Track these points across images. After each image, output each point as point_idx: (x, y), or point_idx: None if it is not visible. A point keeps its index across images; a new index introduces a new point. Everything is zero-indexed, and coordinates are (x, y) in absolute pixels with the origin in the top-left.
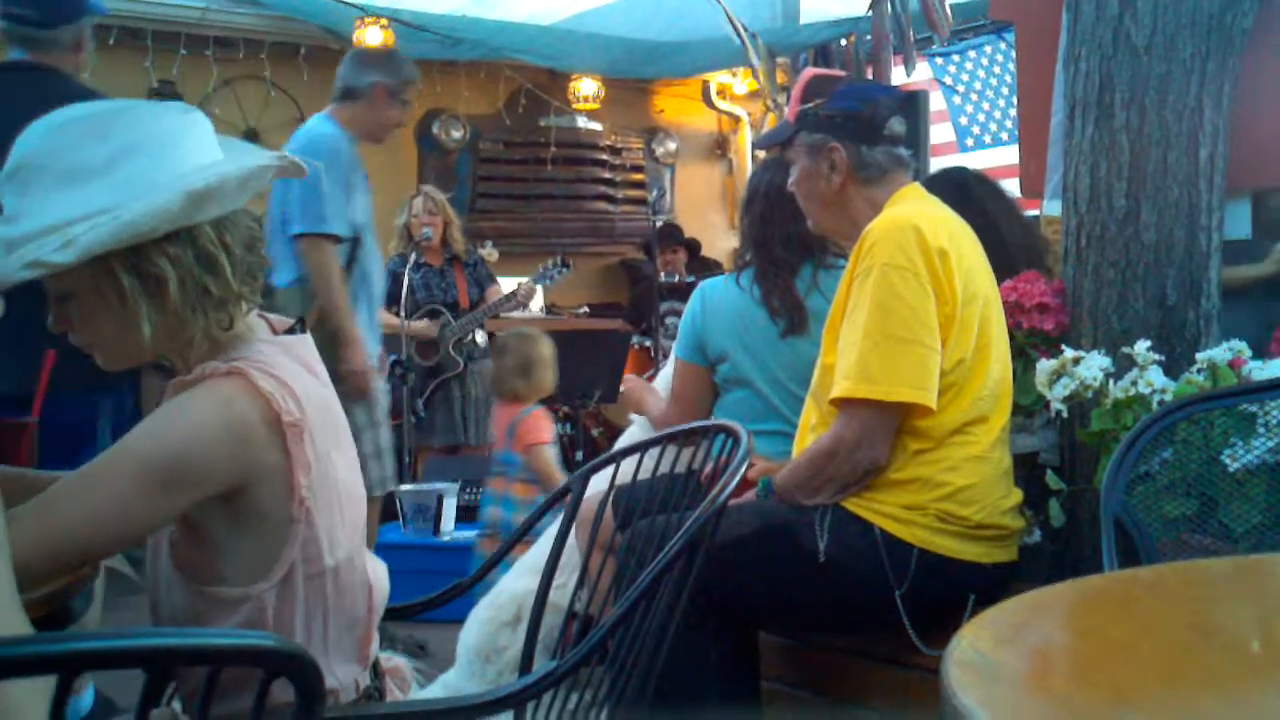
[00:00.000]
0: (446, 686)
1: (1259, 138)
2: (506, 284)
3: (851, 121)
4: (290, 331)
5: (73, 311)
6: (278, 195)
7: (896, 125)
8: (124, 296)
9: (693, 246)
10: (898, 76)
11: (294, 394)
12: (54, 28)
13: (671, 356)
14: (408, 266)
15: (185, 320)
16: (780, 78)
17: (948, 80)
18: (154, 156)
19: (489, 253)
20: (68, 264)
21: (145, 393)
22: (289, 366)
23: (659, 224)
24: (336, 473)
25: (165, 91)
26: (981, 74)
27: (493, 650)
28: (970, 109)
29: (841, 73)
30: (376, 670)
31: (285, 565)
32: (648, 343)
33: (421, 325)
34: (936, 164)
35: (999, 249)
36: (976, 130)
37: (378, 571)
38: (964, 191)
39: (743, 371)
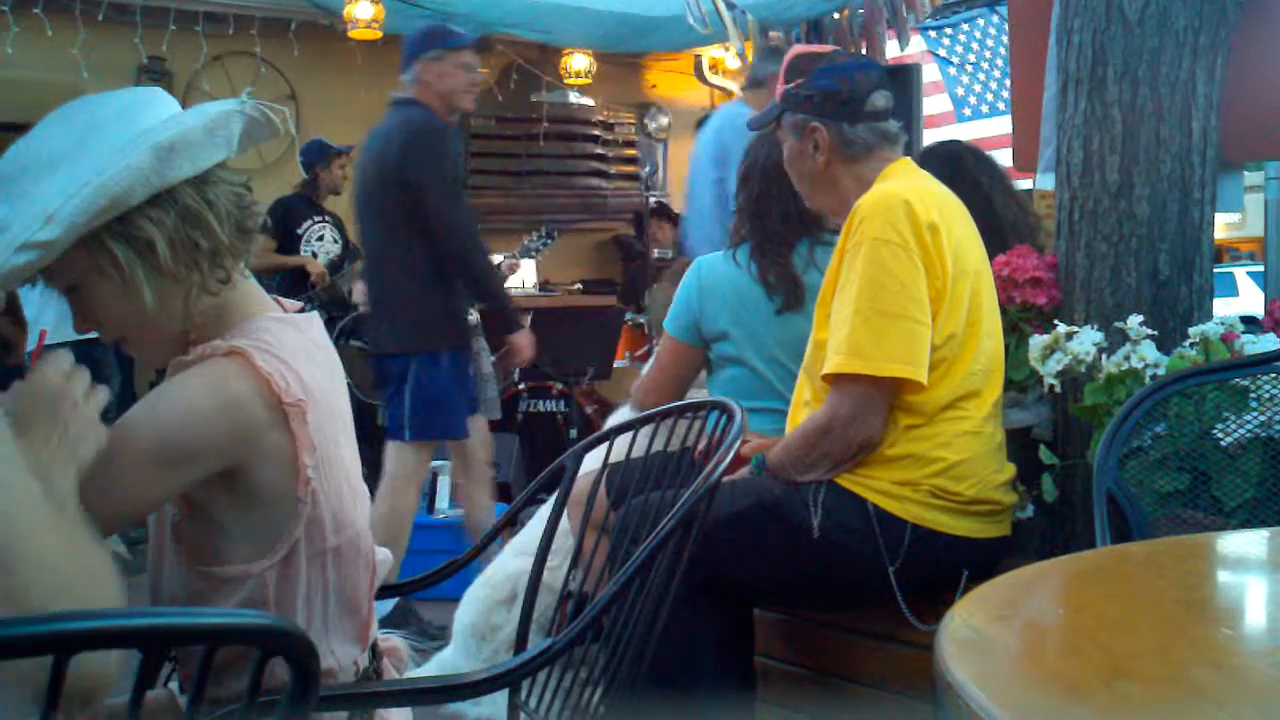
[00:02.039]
0: (442, 664)
1: (1251, 110)
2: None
3: (830, 100)
4: (299, 312)
5: (86, 303)
6: (716, 178)
7: (879, 100)
8: (120, 267)
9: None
10: (892, 50)
11: (297, 374)
12: (405, 69)
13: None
14: None
15: (181, 278)
16: None
17: (941, 53)
18: (119, 125)
19: None
20: (55, 239)
21: (139, 371)
22: (294, 345)
23: (651, 200)
24: (342, 452)
25: (155, 68)
26: (975, 46)
27: (488, 629)
28: (966, 79)
29: (828, 47)
30: (375, 651)
31: (288, 544)
32: (642, 320)
33: None
34: (933, 135)
35: (991, 223)
36: (974, 100)
37: (376, 554)
38: (957, 165)
39: (739, 349)
